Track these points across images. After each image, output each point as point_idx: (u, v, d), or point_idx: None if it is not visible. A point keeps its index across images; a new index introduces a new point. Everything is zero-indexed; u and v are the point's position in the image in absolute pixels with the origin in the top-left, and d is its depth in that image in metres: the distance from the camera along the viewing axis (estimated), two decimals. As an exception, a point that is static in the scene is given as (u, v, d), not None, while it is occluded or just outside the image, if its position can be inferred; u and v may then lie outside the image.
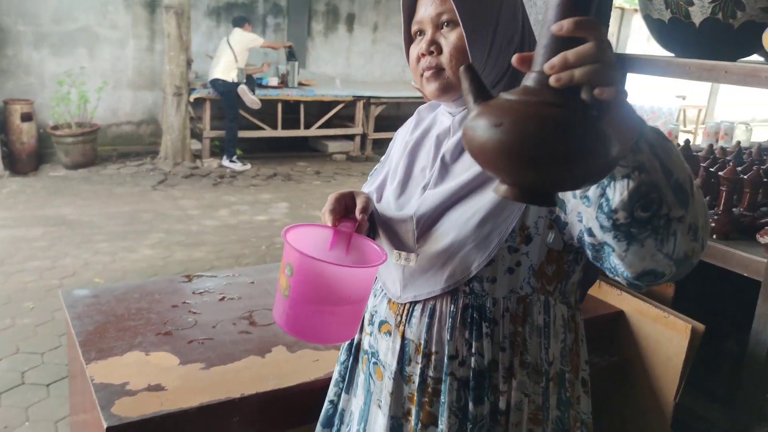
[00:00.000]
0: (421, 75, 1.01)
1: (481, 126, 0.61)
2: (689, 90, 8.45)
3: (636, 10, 10.85)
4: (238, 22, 6.81)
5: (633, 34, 11.09)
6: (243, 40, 6.67)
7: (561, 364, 1.02)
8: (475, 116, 0.63)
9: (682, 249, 0.76)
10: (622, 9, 10.70)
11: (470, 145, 0.63)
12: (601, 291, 1.86)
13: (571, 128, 0.58)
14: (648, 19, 1.80)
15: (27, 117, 6.14)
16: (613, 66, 0.60)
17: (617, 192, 0.72)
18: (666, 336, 1.65)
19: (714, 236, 1.55)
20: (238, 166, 6.84)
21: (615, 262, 0.81)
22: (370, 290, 0.96)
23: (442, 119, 1.10)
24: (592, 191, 0.77)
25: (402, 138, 1.18)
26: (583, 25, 0.59)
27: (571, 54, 0.59)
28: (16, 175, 6.00)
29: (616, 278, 0.85)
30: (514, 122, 0.59)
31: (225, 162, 6.86)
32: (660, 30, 1.73)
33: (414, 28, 1.03)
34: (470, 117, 0.64)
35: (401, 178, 1.10)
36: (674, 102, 7.45)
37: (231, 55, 6.58)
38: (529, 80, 0.63)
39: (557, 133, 0.57)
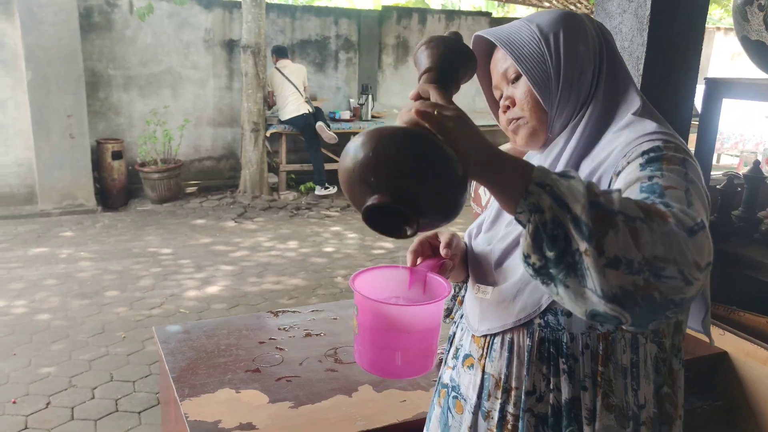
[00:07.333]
0: (511, 131, 1.06)
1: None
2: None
3: (718, 29, 10.43)
4: (285, 53, 6.94)
5: (715, 54, 10.64)
6: (300, 73, 6.84)
7: (654, 408, 0.97)
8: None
9: (613, 283, 0.71)
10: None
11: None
12: (701, 330, 1.74)
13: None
14: (745, 40, 1.72)
15: (117, 155, 6.53)
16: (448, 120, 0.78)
17: (523, 238, 0.76)
18: (779, 380, 1.52)
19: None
20: (331, 190, 7.00)
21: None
22: (436, 326, 0.97)
23: (535, 157, 1.10)
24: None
25: None
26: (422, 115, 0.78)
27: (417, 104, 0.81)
28: (108, 210, 6.37)
29: None
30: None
31: (319, 192, 7.00)
32: (759, 52, 1.65)
33: (496, 94, 1.08)
34: None
35: (493, 216, 1.12)
36: (764, 124, 7.04)
37: (294, 90, 6.76)
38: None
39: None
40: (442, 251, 1.04)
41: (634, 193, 0.83)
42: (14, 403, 2.95)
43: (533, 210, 0.74)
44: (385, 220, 0.78)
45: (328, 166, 7.31)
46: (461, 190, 0.78)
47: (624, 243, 0.72)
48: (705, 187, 0.88)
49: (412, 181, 0.76)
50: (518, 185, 0.76)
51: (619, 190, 0.77)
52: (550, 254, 0.74)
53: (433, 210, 0.78)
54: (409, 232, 0.79)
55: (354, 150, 0.78)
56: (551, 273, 0.75)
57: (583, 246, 0.72)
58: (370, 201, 0.76)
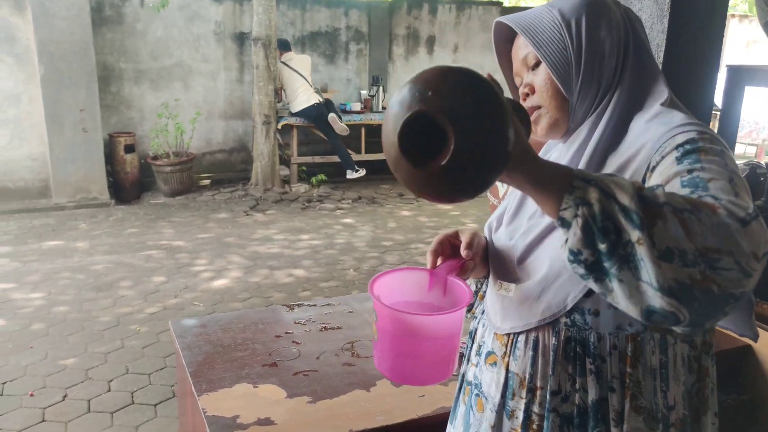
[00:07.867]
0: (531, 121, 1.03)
1: None
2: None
3: (733, 15, 10.29)
4: (288, 46, 6.96)
5: (730, 41, 10.49)
6: (306, 63, 6.88)
7: (684, 409, 0.95)
8: None
9: (668, 276, 0.69)
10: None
11: None
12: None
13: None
14: (769, 28, 1.67)
15: (130, 148, 6.55)
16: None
17: (572, 234, 0.74)
18: (805, 374, 1.49)
19: None
20: (361, 172, 7.00)
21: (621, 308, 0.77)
22: (456, 333, 0.95)
23: (557, 147, 1.08)
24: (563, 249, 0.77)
25: None
26: None
27: None
28: (121, 203, 6.39)
29: None
30: None
31: (351, 175, 6.98)
32: (785, 40, 1.61)
33: (516, 81, 1.06)
34: None
35: (515, 207, 1.09)
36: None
37: (304, 81, 6.75)
38: None
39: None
40: (463, 252, 1.01)
41: (675, 189, 0.80)
42: (32, 395, 2.97)
43: (581, 203, 0.73)
44: (416, 144, 0.74)
45: (335, 159, 7.29)
46: (502, 157, 0.74)
47: (674, 233, 0.70)
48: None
49: (469, 110, 0.72)
50: (562, 181, 0.75)
51: (662, 186, 0.75)
52: (602, 246, 0.72)
53: (470, 151, 0.72)
54: (438, 163, 0.72)
55: (424, 71, 0.76)
56: (604, 267, 0.73)
57: (635, 235, 0.71)
58: (419, 107, 0.73)
